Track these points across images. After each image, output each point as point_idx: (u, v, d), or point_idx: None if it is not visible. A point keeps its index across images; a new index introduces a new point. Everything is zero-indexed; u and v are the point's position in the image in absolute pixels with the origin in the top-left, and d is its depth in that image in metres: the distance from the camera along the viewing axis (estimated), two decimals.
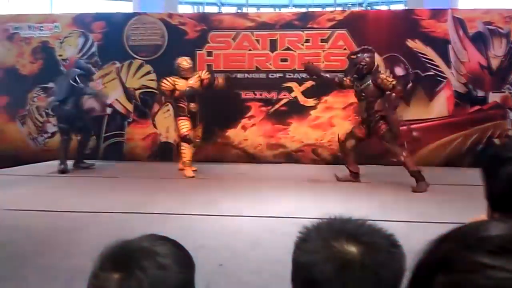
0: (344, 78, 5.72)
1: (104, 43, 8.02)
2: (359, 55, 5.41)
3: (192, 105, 6.31)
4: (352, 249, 0.74)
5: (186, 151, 6.17)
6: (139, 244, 0.83)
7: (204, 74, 6.54)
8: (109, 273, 0.77)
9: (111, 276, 0.77)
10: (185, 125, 6.20)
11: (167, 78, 6.36)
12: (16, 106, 8.21)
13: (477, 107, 7.31)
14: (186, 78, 6.34)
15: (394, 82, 5.22)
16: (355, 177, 5.62)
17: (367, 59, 5.32)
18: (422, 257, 0.58)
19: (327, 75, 6.03)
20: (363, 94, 5.28)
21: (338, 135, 5.97)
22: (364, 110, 5.36)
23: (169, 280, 0.78)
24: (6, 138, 8.21)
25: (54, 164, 6.52)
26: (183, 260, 0.83)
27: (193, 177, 6.03)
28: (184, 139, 6.19)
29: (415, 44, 7.33)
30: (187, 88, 6.25)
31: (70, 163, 6.64)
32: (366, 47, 5.54)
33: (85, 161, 6.92)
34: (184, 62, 6.40)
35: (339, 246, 0.75)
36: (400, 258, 0.78)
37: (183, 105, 6.29)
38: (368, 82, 5.26)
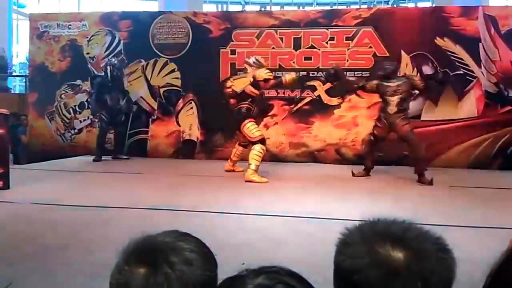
0: (369, 82, 6.02)
1: (130, 42, 8.14)
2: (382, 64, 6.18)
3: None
4: (399, 255, 0.71)
5: (261, 155, 5.57)
6: (165, 239, 0.82)
7: (265, 74, 5.71)
8: (134, 267, 0.77)
9: (137, 270, 0.76)
10: (256, 128, 5.70)
11: (227, 80, 6.02)
12: (44, 102, 8.43)
13: (508, 108, 7.07)
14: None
15: (424, 84, 5.78)
16: (367, 172, 5.92)
17: (390, 63, 6.09)
18: (504, 269, 0.58)
19: (351, 79, 6.51)
20: (400, 89, 5.63)
21: (367, 137, 6.13)
22: (395, 105, 5.62)
23: (195, 276, 0.77)
24: (35, 134, 8.44)
25: (81, 159, 6.67)
26: (208, 257, 0.83)
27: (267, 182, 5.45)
28: (262, 141, 5.66)
29: (444, 43, 7.14)
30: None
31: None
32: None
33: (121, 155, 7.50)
34: (251, 58, 5.99)
35: (384, 251, 0.72)
36: (450, 264, 0.74)
37: (250, 107, 5.76)
38: (404, 81, 5.72)
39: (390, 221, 0.78)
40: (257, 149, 5.58)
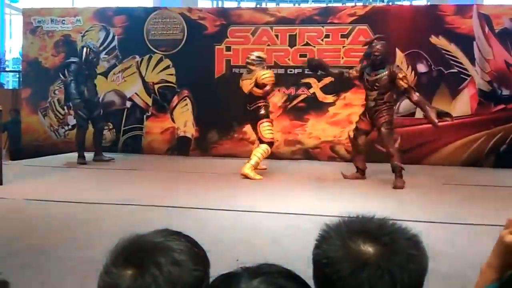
0: (350, 70, 5.64)
1: (124, 37, 8.09)
2: (372, 44, 5.33)
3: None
4: (369, 249, 0.74)
5: (265, 155, 5.63)
6: (153, 239, 0.81)
7: (263, 78, 5.58)
8: (122, 269, 0.75)
9: (124, 272, 0.75)
10: (270, 130, 5.70)
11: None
12: (38, 98, 8.36)
13: (501, 106, 7.11)
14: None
15: (407, 86, 5.16)
16: (361, 174, 5.56)
17: (380, 48, 5.21)
18: None
19: (332, 70, 5.92)
20: (377, 84, 5.20)
21: (348, 133, 5.92)
22: (373, 100, 5.26)
23: (184, 276, 0.76)
24: (28, 130, 8.38)
25: (75, 155, 6.62)
26: (198, 256, 0.81)
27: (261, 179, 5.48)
28: (271, 144, 5.69)
29: (439, 41, 7.16)
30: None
31: (87, 155, 6.74)
32: (379, 35, 5.49)
33: (104, 154, 6.90)
34: (252, 55, 5.79)
35: (356, 246, 0.74)
36: (421, 261, 0.76)
37: (267, 104, 5.74)
38: (383, 74, 5.18)
39: (367, 218, 0.80)
40: (263, 147, 5.63)
